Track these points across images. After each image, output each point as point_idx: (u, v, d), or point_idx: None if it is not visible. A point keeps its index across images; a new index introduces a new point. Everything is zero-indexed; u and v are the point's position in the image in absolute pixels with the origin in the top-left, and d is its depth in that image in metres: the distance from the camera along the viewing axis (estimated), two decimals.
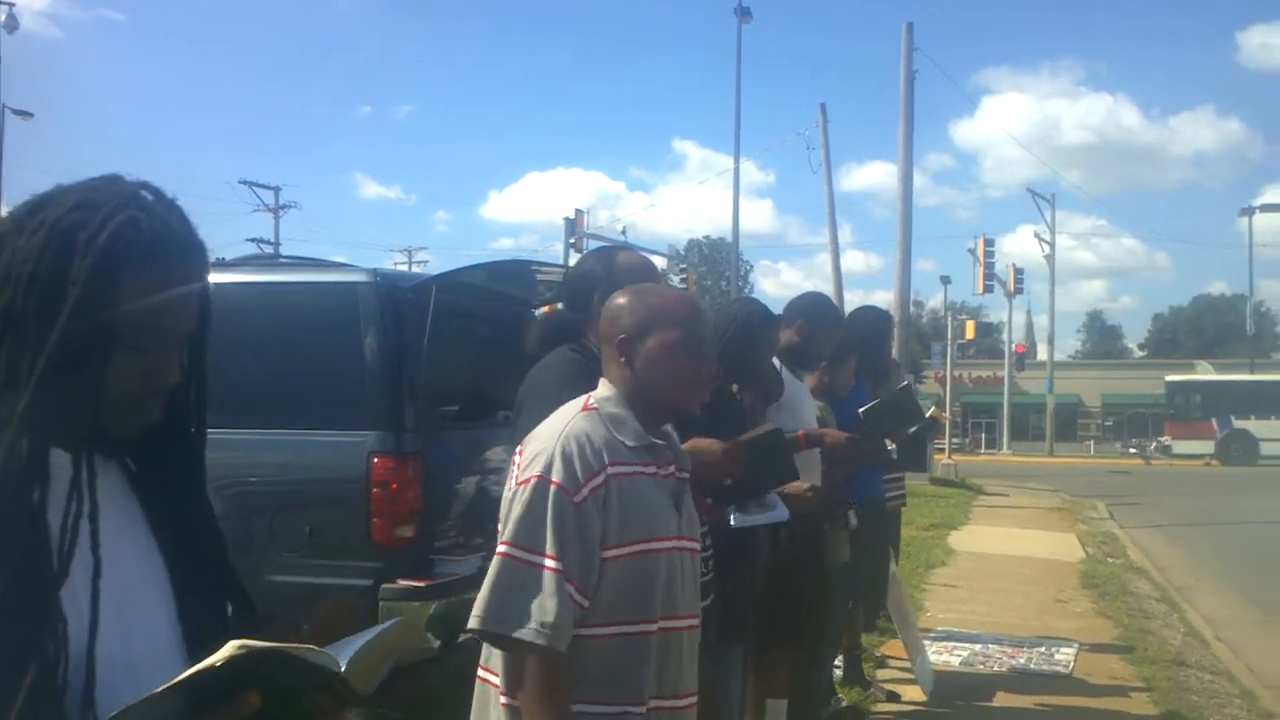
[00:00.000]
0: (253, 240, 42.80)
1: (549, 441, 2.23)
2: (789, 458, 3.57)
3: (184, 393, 1.43)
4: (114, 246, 1.30)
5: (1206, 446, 41.03)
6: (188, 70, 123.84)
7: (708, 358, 2.41)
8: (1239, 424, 41.63)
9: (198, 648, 1.27)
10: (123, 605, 1.32)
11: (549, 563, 2.13)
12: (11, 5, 26.17)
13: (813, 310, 5.00)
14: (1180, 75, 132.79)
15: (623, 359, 2.35)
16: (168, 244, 1.35)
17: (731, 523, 3.56)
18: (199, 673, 1.13)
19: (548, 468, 2.18)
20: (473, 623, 2.16)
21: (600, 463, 2.21)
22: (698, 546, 2.43)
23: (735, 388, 3.98)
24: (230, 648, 1.13)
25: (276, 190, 47.76)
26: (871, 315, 6.40)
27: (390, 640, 1.47)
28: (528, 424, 2.44)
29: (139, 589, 1.36)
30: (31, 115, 30.35)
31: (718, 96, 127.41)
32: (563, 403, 2.39)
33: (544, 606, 2.11)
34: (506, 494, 2.26)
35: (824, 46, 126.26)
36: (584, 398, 2.37)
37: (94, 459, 1.34)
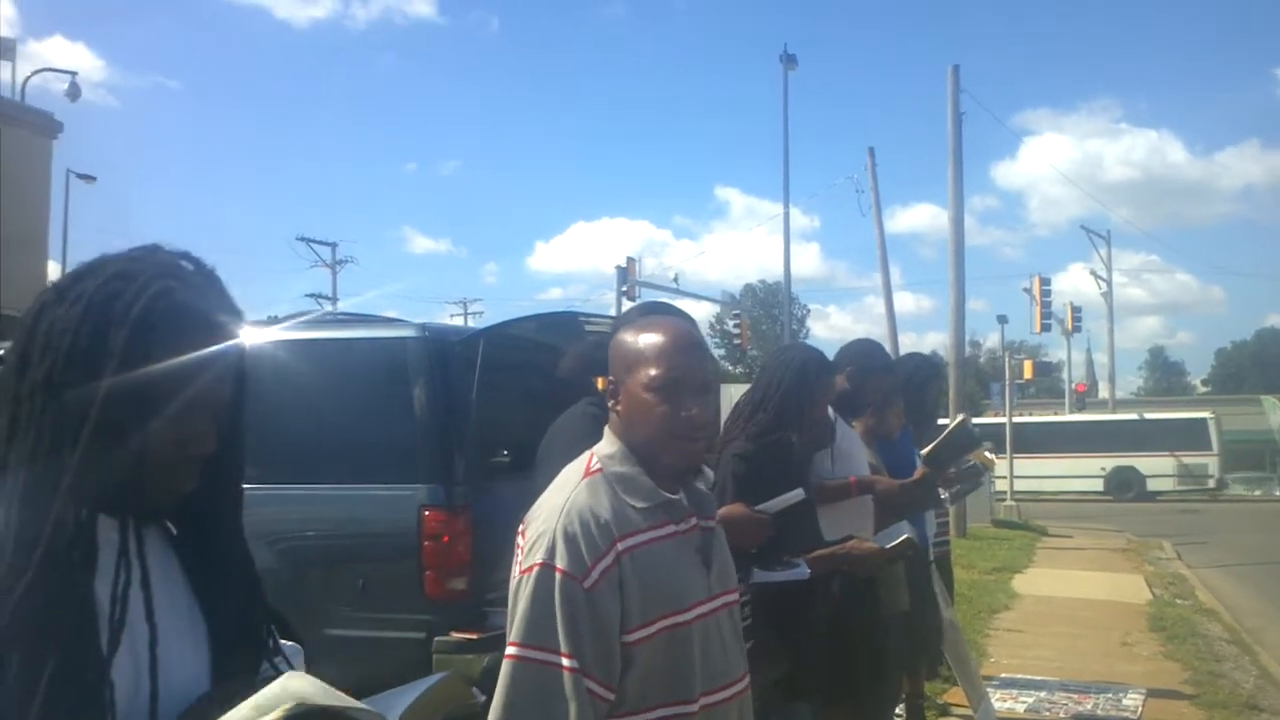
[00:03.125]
0: (311, 295, 43.37)
1: (550, 521, 2.00)
2: (815, 523, 3.57)
3: (221, 459, 1.44)
4: (148, 317, 1.32)
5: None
6: (241, 133, 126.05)
7: (690, 401, 2.07)
8: None
9: (229, 707, 1.27)
10: (167, 669, 1.33)
11: (565, 661, 1.91)
12: (74, 75, 26.90)
13: (863, 357, 4.98)
14: (1221, 111, 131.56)
15: (610, 403, 2.15)
16: (201, 314, 1.37)
17: (751, 579, 3.55)
18: None
19: (550, 552, 1.96)
20: None
21: (608, 539, 1.98)
22: (735, 597, 2.22)
23: (794, 437, 3.94)
24: (286, 707, 1.14)
25: (333, 246, 48.38)
26: (915, 361, 6.45)
27: (438, 695, 1.47)
28: (543, 484, 2.21)
29: (180, 652, 1.37)
30: (94, 179, 31.10)
31: (758, 142, 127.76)
32: None
33: (562, 712, 1.90)
34: (512, 583, 2.03)
35: (863, 90, 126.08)
36: (587, 457, 2.14)
37: (139, 525, 1.35)
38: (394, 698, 1.39)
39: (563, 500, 2.03)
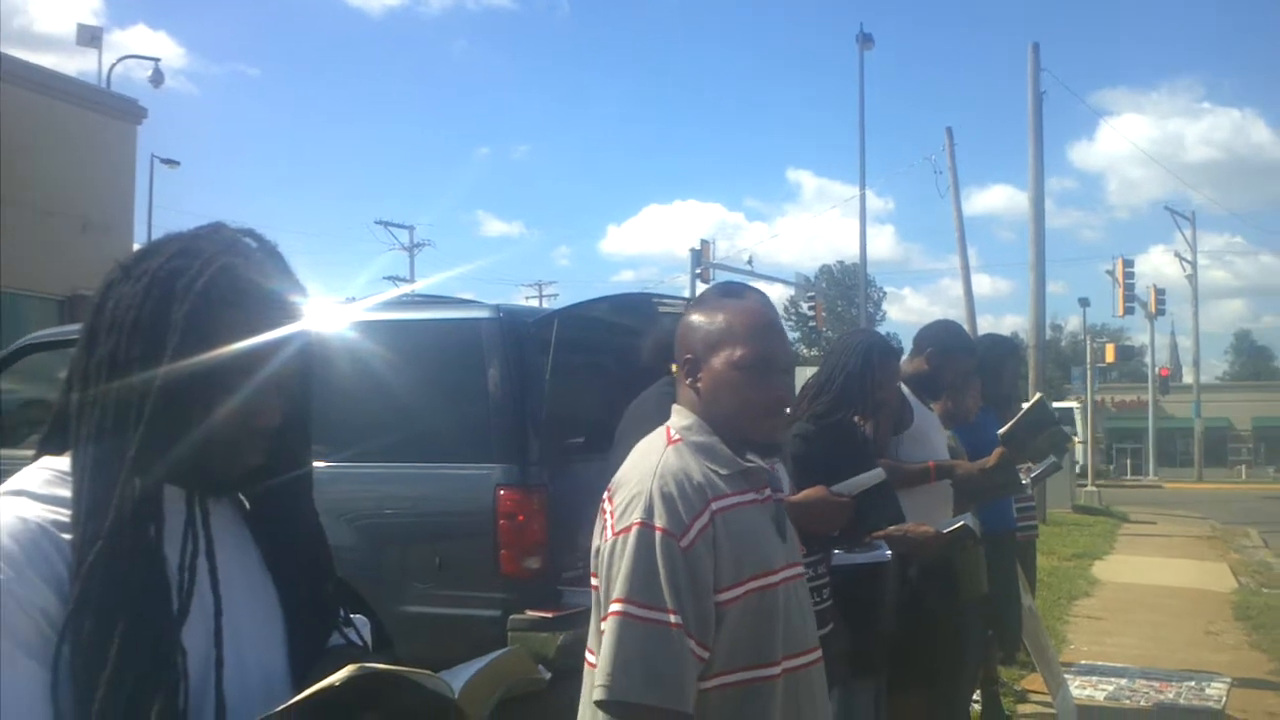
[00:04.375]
0: (389, 278, 43.88)
1: (644, 483, 2.02)
2: (895, 502, 3.54)
3: (288, 434, 1.46)
4: (210, 292, 1.34)
5: None
6: (318, 119, 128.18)
7: (777, 381, 2.15)
8: None
9: (305, 676, 1.29)
10: (239, 638, 1.35)
11: (671, 618, 1.93)
12: (158, 61, 27.46)
13: (944, 338, 4.92)
14: None
15: (689, 381, 2.17)
16: (263, 289, 1.38)
17: (831, 562, 3.53)
18: (319, 691, 1.15)
19: (649, 512, 1.98)
20: (599, 694, 1.94)
21: (703, 499, 2.01)
22: (803, 570, 2.26)
23: (858, 419, 3.93)
24: (350, 669, 1.15)
25: (411, 229, 48.92)
26: (990, 342, 6.37)
27: (503, 669, 1.48)
28: (623, 459, 2.23)
29: (253, 622, 1.39)
30: (178, 163, 31.75)
31: (831, 124, 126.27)
32: None
33: (672, 667, 1.92)
34: (602, 545, 2.05)
35: (938, 71, 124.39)
36: (663, 429, 2.18)
37: (206, 497, 1.38)
38: (459, 671, 1.40)
39: (653, 464, 2.06)
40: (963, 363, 4.93)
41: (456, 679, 1.35)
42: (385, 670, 1.18)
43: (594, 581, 2.09)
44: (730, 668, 2.02)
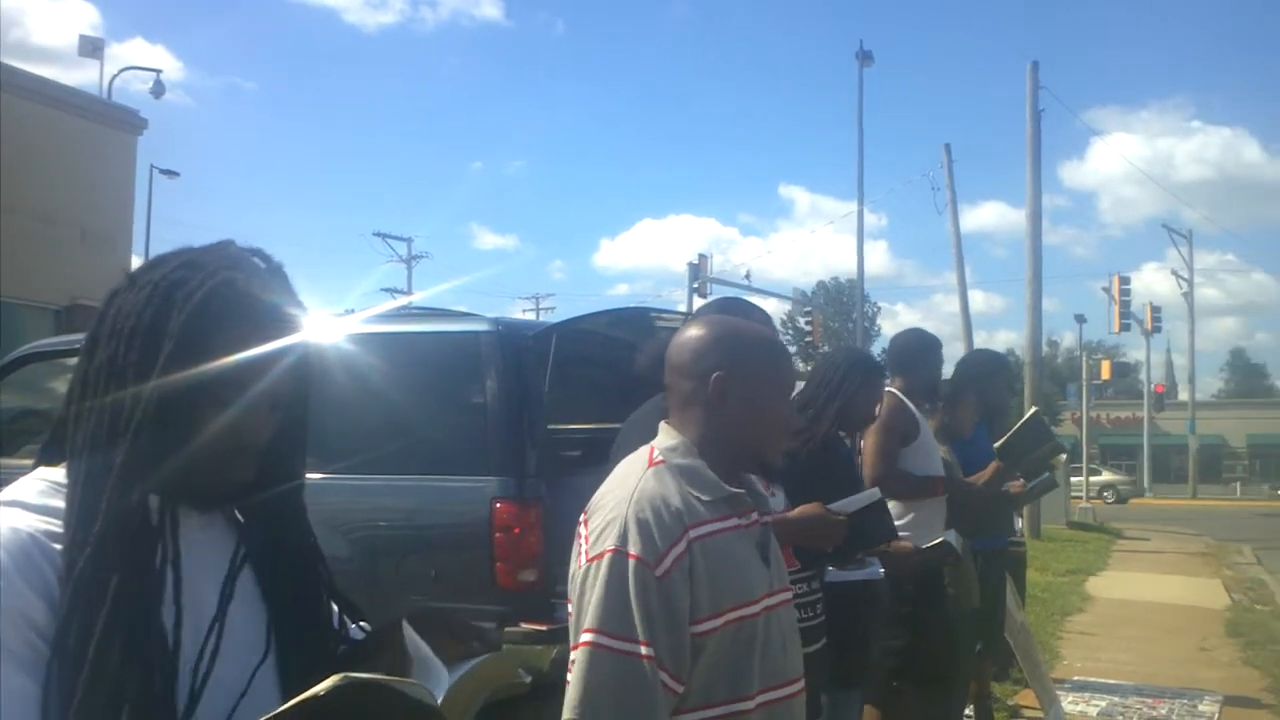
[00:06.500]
0: (386, 290, 43.85)
1: (620, 508, 1.95)
2: (889, 521, 3.57)
3: (281, 450, 1.47)
4: (209, 304, 1.35)
5: None
6: (315, 132, 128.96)
7: (789, 400, 2.18)
8: None
9: (294, 688, 1.31)
10: (220, 651, 1.35)
11: (642, 650, 1.86)
12: (159, 72, 27.49)
13: (903, 349, 5.07)
14: None
15: (716, 398, 2.06)
16: (263, 304, 1.40)
17: (825, 579, 3.57)
18: (303, 702, 1.17)
19: (622, 539, 1.91)
20: None
21: (680, 526, 1.94)
22: (790, 595, 2.17)
23: (843, 435, 3.98)
24: (334, 679, 1.17)
25: (409, 241, 48.90)
26: (980, 356, 6.44)
27: (485, 674, 1.50)
28: None
29: (237, 635, 1.39)
30: (178, 174, 31.84)
31: (823, 140, 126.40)
32: None
33: (641, 701, 1.86)
34: (575, 570, 1.98)
35: (934, 88, 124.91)
36: (646, 450, 2.11)
37: (182, 510, 1.38)
38: (442, 677, 1.43)
39: (630, 488, 1.99)
40: (922, 358, 5.03)
41: (439, 686, 1.38)
42: (370, 680, 1.20)
43: (569, 607, 2.01)
44: (707, 702, 1.95)
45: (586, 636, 1.90)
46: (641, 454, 2.11)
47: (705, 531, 1.97)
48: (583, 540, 2.00)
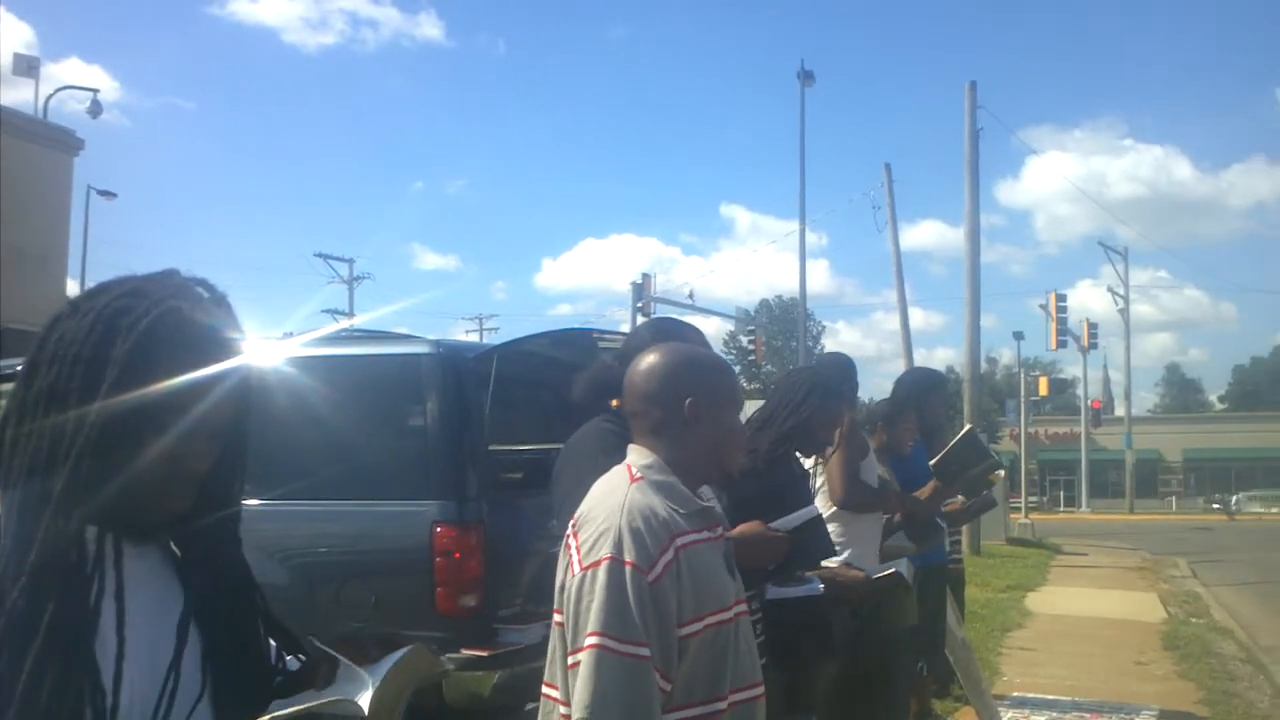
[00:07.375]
0: (328, 311, 43.46)
1: (612, 519, 2.08)
2: (828, 538, 3.60)
3: (220, 479, 1.46)
4: (153, 332, 1.34)
5: None
6: (254, 152, 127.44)
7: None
8: None
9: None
10: (141, 680, 1.34)
11: (643, 651, 1.98)
12: (96, 92, 27.12)
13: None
14: (1227, 127, 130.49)
15: (692, 420, 2.22)
16: (206, 333, 1.39)
17: (766, 596, 3.59)
18: None
19: (617, 547, 2.03)
20: None
21: (668, 534, 2.07)
22: (746, 607, 2.30)
23: (799, 455, 4.01)
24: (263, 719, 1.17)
25: (350, 262, 48.53)
26: (918, 374, 6.57)
27: (407, 668, 1.52)
28: (565, 495, 2.30)
29: (156, 671, 1.37)
30: (115, 195, 31.37)
31: (762, 159, 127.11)
32: (604, 472, 2.29)
33: (646, 700, 1.98)
34: (570, 580, 2.09)
35: (875, 107, 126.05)
36: (623, 467, 2.24)
37: (122, 540, 1.37)
38: (364, 679, 1.43)
39: (620, 500, 2.12)
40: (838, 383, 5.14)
41: (363, 694, 1.38)
42: (294, 713, 1.20)
43: (557, 618, 2.13)
44: (686, 702, 2.07)
45: (592, 640, 2.00)
46: (620, 471, 2.24)
47: (688, 541, 2.11)
48: (574, 551, 2.11)
